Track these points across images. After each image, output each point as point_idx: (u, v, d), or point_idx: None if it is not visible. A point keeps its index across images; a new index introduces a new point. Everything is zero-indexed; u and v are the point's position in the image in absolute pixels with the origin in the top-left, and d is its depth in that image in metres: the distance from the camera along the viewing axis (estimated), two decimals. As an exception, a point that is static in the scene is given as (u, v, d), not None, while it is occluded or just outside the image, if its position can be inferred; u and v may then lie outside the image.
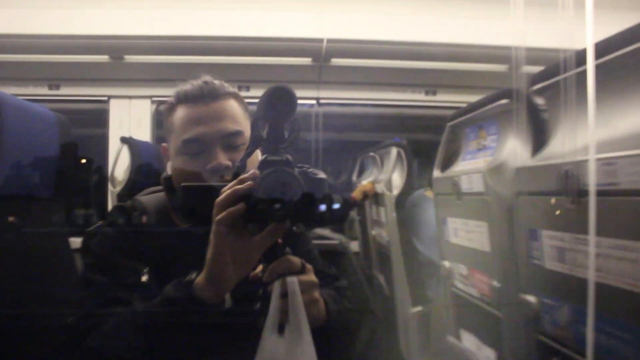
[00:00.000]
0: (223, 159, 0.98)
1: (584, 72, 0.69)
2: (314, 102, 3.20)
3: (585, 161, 0.75)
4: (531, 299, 0.92)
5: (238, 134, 1.02)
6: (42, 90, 3.12)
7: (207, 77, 1.04)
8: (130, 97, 3.16)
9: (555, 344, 0.86)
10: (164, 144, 1.09)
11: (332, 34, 2.79)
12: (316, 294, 0.88)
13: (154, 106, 3.15)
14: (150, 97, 3.18)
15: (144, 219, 1.05)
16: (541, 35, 1.04)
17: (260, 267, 0.85)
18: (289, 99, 0.77)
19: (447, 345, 1.44)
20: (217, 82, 1.04)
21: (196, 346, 0.85)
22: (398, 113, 3.84)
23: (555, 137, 0.91)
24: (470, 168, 1.23)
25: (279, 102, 0.77)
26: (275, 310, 0.79)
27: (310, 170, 0.79)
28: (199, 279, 0.82)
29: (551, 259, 0.86)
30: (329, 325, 0.90)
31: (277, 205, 0.75)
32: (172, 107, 1.05)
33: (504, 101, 1.11)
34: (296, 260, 0.84)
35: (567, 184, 0.79)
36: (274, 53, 2.92)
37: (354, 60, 3.07)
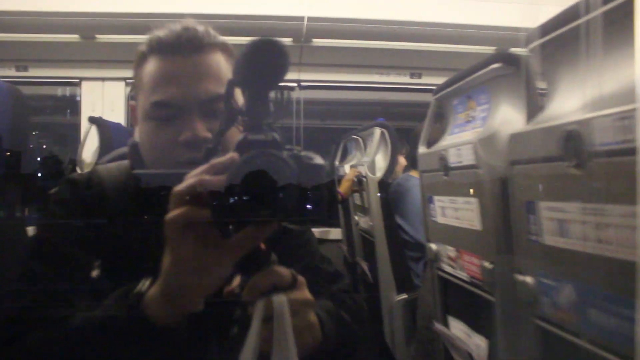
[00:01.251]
0: (201, 130, 0.79)
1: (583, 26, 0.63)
2: (294, 84, 3.11)
3: (593, 119, 0.66)
4: (527, 279, 0.84)
5: (222, 98, 0.85)
6: (9, 72, 2.99)
7: (190, 22, 0.83)
8: (103, 79, 3.04)
9: (556, 328, 0.78)
10: (132, 102, 0.91)
11: (313, 12, 2.70)
12: (311, 316, 0.69)
13: (129, 88, 3.04)
14: (124, 78, 3.07)
15: (99, 195, 0.87)
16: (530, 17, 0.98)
17: (237, 281, 0.66)
18: (277, 57, 0.57)
19: (434, 333, 1.37)
20: (200, 28, 0.83)
21: None
22: (382, 98, 3.76)
23: (555, 98, 0.82)
24: (458, 141, 1.15)
25: (263, 61, 0.57)
26: (255, 338, 0.59)
27: (303, 154, 0.59)
28: (152, 291, 0.63)
29: (551, 233, 0.77)
30: (323, 350, 0.71)
31: (261, 201, 0.54)
32: (143, 58, 0.85)
33: (495, 66, 1.02)
34: (285, 272, 0.64)
35: (571, 146, 0.70)
36: (252, 33, 2.80)
37: (337, 40, 2.98)
